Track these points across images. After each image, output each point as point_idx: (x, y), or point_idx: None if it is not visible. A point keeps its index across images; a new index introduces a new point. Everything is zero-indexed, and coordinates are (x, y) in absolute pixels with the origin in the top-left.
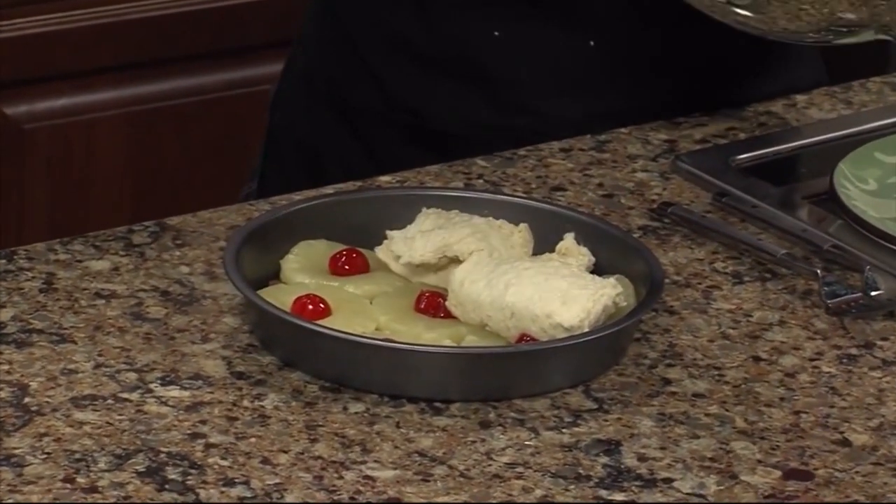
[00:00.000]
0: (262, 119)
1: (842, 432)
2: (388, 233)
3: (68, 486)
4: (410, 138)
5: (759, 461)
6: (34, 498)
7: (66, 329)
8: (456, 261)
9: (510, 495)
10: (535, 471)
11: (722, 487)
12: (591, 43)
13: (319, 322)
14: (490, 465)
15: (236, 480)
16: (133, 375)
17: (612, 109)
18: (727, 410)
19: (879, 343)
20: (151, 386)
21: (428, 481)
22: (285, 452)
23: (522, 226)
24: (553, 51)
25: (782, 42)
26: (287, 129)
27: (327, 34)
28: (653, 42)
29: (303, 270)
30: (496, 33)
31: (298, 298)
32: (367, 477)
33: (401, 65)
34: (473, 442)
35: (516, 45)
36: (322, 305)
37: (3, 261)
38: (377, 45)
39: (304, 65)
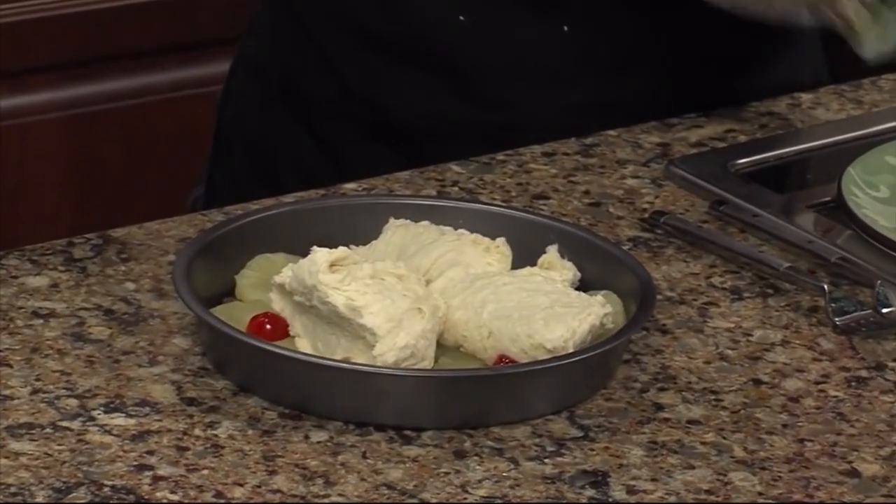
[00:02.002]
0: (212, 119)
1: (850, 462)
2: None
3: None
4: (371, 134)
5: (760, 493)
6: None
7: (0, 351)
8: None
9: None
10: None
11: None
12: (565, 28)
13: (278, 343)
14: (466, 498)
15: None
16: (74, 402)
17: (590, 101)
18: (725, 438)
19: (891, 365)
20: (94, 413)
21: None
22: (241, 486)
23: (500, 240)
24: (523, 37)
25: (778, 31)
26: (237, 128)
27: (280, 21)
28: (633, 27)
29: (260, 286)
30: (461, 18)
31: (255, 317)
32: None
33: (359, 53)
34: (447, 473)
35: (484, 30)
36: (281, 325)
37: None
38: (334, 33)
39: (254, 55)
